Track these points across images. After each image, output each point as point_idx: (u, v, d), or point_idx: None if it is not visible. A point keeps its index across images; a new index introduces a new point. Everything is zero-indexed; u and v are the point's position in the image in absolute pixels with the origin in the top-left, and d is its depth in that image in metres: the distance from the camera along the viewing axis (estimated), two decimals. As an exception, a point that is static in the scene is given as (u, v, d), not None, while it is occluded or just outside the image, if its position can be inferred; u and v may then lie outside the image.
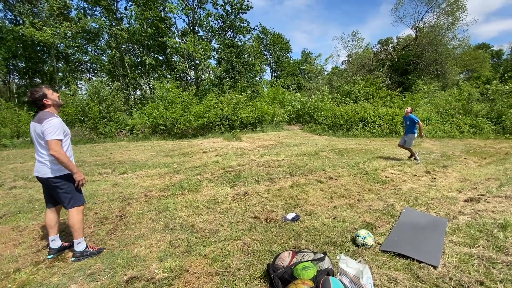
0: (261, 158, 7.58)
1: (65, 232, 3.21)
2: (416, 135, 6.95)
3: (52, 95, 2.55)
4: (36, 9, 19.52)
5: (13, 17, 20.53)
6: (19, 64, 22.24)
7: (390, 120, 14.10)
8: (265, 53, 39.51)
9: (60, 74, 22.92)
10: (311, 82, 33.41)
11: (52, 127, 2.40)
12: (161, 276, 2.29)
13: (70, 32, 19.06)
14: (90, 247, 2.71)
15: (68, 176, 2.58)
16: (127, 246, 2.87)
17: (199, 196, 4.43)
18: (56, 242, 2.71)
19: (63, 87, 21.60)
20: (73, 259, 2.61)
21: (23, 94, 22.23)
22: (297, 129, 18.05)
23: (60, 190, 2.56)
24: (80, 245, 2.64)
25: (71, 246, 2.77)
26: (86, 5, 21.39)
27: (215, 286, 2.18)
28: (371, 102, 18.02)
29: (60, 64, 23.33)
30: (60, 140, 2.46)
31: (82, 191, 2.74)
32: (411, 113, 6.92)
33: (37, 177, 2.60)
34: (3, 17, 20.45)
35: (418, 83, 19.95)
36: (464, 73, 34.64)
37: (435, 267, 2.35)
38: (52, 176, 2.52)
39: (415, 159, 6.98)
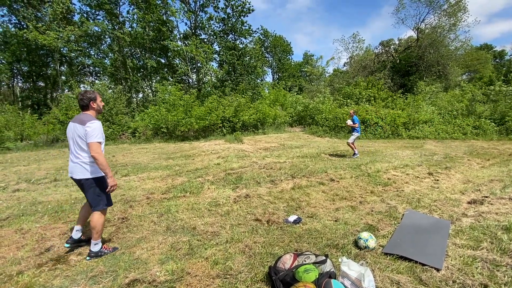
0: (263, 160, 7.58)
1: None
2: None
3: (100, 102, 2.73)
4: (39, 14, 19.76)
5: (17, 22, 20.78)
6: (23, 67, 22.48)
7: (392, 121, 14.06)
8: (267, 55, 39.66)
9: (63, 77, 23.12)
10: (312, 84, 33.45)
11: (95, 129, 2.54)
12: (162, 279, 2.29)
13: (73, 36, 19.24)
14: (104, 247, 2.79)
15: (101, 179, 2.69)
16: (129, 248, 2.87)
17: (201, 199, 4.43)
18: (78, 233, 2.88)
19: (66, 90, 21.78)
20: (88, 258, 2.67)
21: (27, 97, 22.45)
22: (299, 131, 18.04)
23: (92, 191, 2.66)
24: (97, 246, 2.72)
25: (87, 241, 2.91)
26: (89, 9, 21.61)
27: (216, 289, 2.17)
28: (372, 104, 17.99)
29: (63, 68, 23.54)
30: (100, 142, 2.59)
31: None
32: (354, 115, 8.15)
33: (71, 177, 2.69)
34: (8, 22, 20.71)
35: (420, 84, 19.89)
36: (466, 74, 34.52)
37: (438, 270, 2.33)
38: (86, 177, 2.62)
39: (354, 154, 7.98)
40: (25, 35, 17.47)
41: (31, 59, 21.43)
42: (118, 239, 3.11)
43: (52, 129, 13.54)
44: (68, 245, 2.83)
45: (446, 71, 24.29)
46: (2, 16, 20.49)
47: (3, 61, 20.40)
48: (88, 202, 2.76)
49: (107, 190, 2.68)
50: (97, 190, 2.68)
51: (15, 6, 19.58)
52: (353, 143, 7.94)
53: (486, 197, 4.22)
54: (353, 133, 8.02)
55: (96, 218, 2.69)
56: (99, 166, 2.57)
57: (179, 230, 3.27)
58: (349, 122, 7.98)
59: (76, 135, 2.57)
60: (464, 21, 22.71)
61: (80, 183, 2.69)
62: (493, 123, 13.01)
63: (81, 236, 2.92)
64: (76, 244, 2.87)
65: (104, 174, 2.65)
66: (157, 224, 3.48)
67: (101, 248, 2.75)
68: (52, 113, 14.85)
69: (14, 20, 20.80)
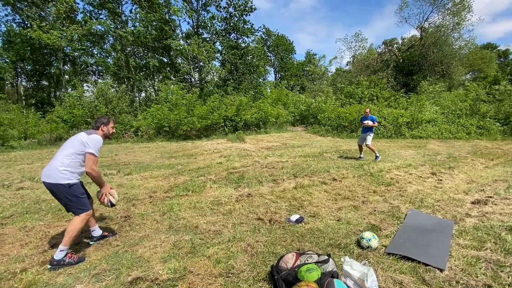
0: (265, 159, 7.58)
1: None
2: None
3: (111, 127, 2.92)
4: (43, 13, 19.84)
5: (21, 21, 20.91)
6: (27, 66, 22.62)
7: (395, 121, 13.99)
8: (269, 54, 39.54)
9: (66, 76, 23.23)
10: (314, 83, 33.35)
11: (96, 141, 2.67)
12: (165, 277, 2.30)
13: (76, 35, 19.32)
14: (69, 256, 2.61)
15: (73, 185, 2.62)
16: (132, 247, 2.88)
17: (203, 197, 4.44)
18: (96, 231, 3.05)
19: (70, 89, 21.89)
20: (49, 267, 2.51)
21: (30, 96, 22.60)
22: (301, 131, 18.00)
23: (62, 197, 2.61)
24: (61, 253, 2.55)
25: (114, 233, 3.16)
26: (92, 9, 21.68)
27: (219, 287, 2.18)
28: (375, 103, 17.90)
29: (66, 67, 23.66)
30: (97, 157, 2.67)
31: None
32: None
33: (44, 182, 2.61)
34: (12, 21, 20.85)
35: (423, 83, 19.76)
36: (470, 73, 34.22)
37: (441, 270, 2.32)
38: (57, 183, 2.55)
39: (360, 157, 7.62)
40: (28, 34, 17.56)
41: (34, 58, 21.56)
42: (121, 237, 3.12)
43: (55, 128, 13.62)
44: (92, 242, 2.99)
45: (449, 70, 24.12)
46: (6, 15, 20.65)
47: (7, 60, 20.54)
48: (65, 207, 2.72)
49: (99, 197, 2.83)
50: (68, 196, 2.59)
51: (19, 5, 19.68)
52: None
53: (490, 197, 4.18)
54: (370, 133, 7.41)
55: (73, 223, 2.60)
56: (94, 180, 2.71)
57: (182, 229, 3.28)
58: (370, 122, 7.30)
59: (76, 140, 2.63)
60: (468, 20, 22.55)
61: (52, 188, 2.59)
62: (497, 123, 12.90)
63: (102, 233, 3.09)
64: (102, 239, 3.06)
65: (78, 181, 2.67)
66: (160, 222, 3.49)
67: (64, 256, 2.56)
68: (55, 111, 14.93)
69: (18, 19, 20.94)
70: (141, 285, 2.22)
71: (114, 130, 2.99)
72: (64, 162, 2.58)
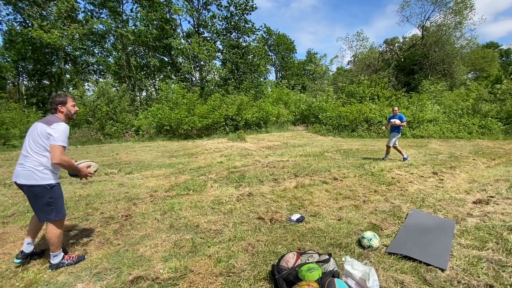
0: (266, 158, 7.57)
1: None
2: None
3: (71, 106, 2.54)
4: (44, 12, 19.87)
5: (22, 20, 20.94)
6: (28, 66, 22.65)
7: (396, 120, 13.93)
8: (270, 53, 39.47)
9: (68, 75, 23.27)
10: (316, 82, 33.29)
11: (61, 132, 2.35)
12: (166, 276, 2.30)
13: (77, 34, 19.34)
14: (66, 258, 2.56)
15: (54, 187, 2.44)
16: (133, 246, 2.89)
17: (204, 197, 4.44)
18: (30, 246, 2.58)
19: (71, 88, 21.92)
20: (49, 270, 2.48)
21: (31, 95, 22.64)
22: (302, 130, 17.99)
23: (40, 201, 2.38)
24: (56, 258, 2.49)
25: (40, 254, 2.68)
26: (93, 8, 21.70)
27: (219, 286, 2.18)
28: (376, 103, 17.87)
29: (67, 66, 23.69)
30: (65, 147, 2.39)
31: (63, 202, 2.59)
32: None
33: (17, 183, 2.38)
34: (13, 20, 20.87)
35: (424, 83, 19.70)
36: (472, 72, 34.09)
37: (443, 270, 2.31)
38: (34, 184, 2.34)
39: (384, 157, 7.31)
40: (30, 33, 17.59)
41: (36, 57, 21.58)
42: (122, 236, 3.12)
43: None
44: (18, 261, 2.49)
45: (451, 69, 24.04)
46: (8, 14, 20.67)
47: (8, 59, 20.58)
48: (36, 213, 2.47)
49: (83, 176, 2.58)
50: (46, 200, 2.39)
51: (20, 5, 19.71)
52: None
53: (492, 197, 4.17)
54: (397, 133, 7.02)
55: (50, 229, 2.44)
56: (67, 169, 2.45)
57: (182, 228, 3.28)
58: (397, 121, 6.91)
59: (37, 135, 2.34)
60: (470, 18, 22.45)
61: (26, 189, 2.38)
62: (499, 122, 12.86)
63: (33, 250, 2.62)
64: (27, 259, 2.56)
65: (57, 182, 2.46)
66: (161, 221, 3.50)
67: (62, 259, 2.52)
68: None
69: (20, 18, 20.97)
70: (142, 284, 2.22)
71: (76, 108, 2.63)
72: (42, 161, 2.35)
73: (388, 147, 7.20)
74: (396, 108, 7.29)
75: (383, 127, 7.18)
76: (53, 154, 2.32)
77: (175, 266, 2.44)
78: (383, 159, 7.28)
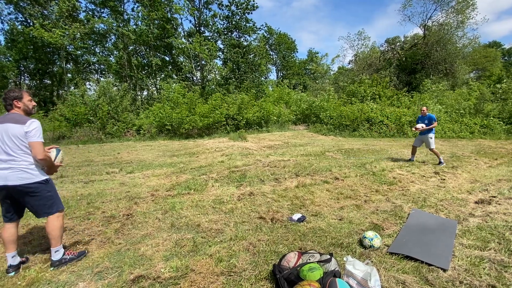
0: (267, 158, 7.57)
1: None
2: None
3: (27, 101, 2.43)
4: (46, 11, 19.91)
5: (23, 19, 20.99)
6: (30, 65, 22.73)
7: (397, 120, 13.91)
8: (271, 53, 39.46)
9: (69, 75, 23.33)
10: (317, 82, 33.24)
11: (38, 128, 2.33)
12: (167, 275, 2.30)
13: (78, 33, 19.37)
14: (67, 253, 2.58)
15: (49, 180, 2.48)
16: (134, 245, 2.89)
17: (205, 196, 4.44)
18: (16, 258, 2.48)
19: (72, 87, 21.98)
20: (52, 268, 2.45)
21: (33, 95, 22.66)
22: (303, 129, 17.96)
23: (41, 196, 2.40)
24: (58, 253, 2.48)
25: (26, 262, 2.59)
26: (94, 7, 21.73)
27: (220, 286, 2.17)
28: (377, 102, 17.83)
29: (69, 65, 23.74)
30: (43, 143, 2.37)
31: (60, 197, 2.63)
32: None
33: (4, 186, 2.29)
34: (14, 19, 20.93)
35: (426, 82, 19.63)
36: (474, 72, 33.96)
37: (444, 270, 2.30)
38: (32, 181, 2.34)
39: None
40: (31, 32, 17.64)
41: (37, 56, 21.67)
42: (123, 236, 3.13)
43: (58, 126, 13.69)
44: (12, 273, 2.40)
45: (453, 68, 23.94)
46: (9, 13, 20.74)
47: (10, 58, 20.66)
48: (34, 211, 2.45)
49: (54, 171, 2.54)
50: (45, 195, 2.42)
51: (21, 4, 19.76)
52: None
53: (494, 197, 4.15)
54: (431, 134, 6.47)
55: (53, 222, 2.45)
56: (48, 166, 2.42)
57: (184, 227, 3.28)
58: (422, 126, 6.36)
59: (12, 136, 2.24)
60: (472, 18, 22.34)
61: (18, 190, 2.32)
62: (501, 122, 12.80)
63: (20, 260, 2.53)
64: (19, 268, 2.47)
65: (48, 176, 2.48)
66: (162, 221, 3.50)
67: (64, 254, 2.52)
68: (57, 109, 15.01)
69: (21, 18, 21.03)
70: (143, 283, 2.22)
71: (34, 103, 2.52)
72: (31, 160, 2.33)
73: (414, 148, 6.83)
74: (424, 108, 6.63)
75: (414, 129, 6.57)
76: (37, 150, 2.30)
77: (176, 265, 2.44)
78: (410, 160, 6.90)
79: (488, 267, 2.33)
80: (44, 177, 2.42)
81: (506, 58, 42.84)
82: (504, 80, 15.61)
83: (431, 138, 6.42)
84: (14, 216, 2.50)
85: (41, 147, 2.33)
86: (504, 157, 7.41)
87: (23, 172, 2.30)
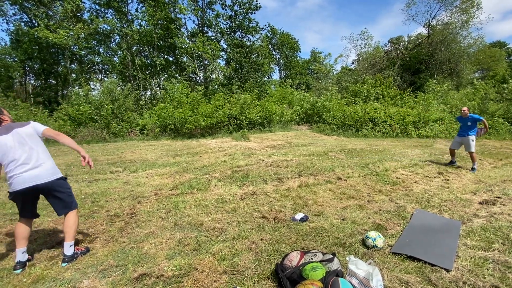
0: (270, 158, 7.57)
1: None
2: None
3: (7, 114, 2.61)
4: (50, 12, 20.07)
5: (28, 20, 21.18)
6: (35, 65, 22.93)
7: (401, 120, 13.83)
8: (274, 53, 39.38)
9: (73, 75, 23.51)
10: (320, 82, 33.15)
11: (38, 123, 2.63)
12: (170, 274, 2.32)
13: (83, 33, 19.51)
14: (77, 249, 2.68)
15: (64, 177, 2.70)
16: (138, 243, 2.92)
17: (208, 195, 4.46)
18: (25, 255, 2.55)
19: (77, 87, 22.14)
20: (64, 264, 2.52)
21: (38, 94, 22.93)
22: (306, 129, 17.93)
23: (66, 191, 2.65)
24: (71, 248, 2.59)
25: (30, 260, 2.63)
26: (98, 8, 21.86)
27: (223, 284, 2.19)
28: (381, 102, 17.73)
29: (73, 66, 23.92)
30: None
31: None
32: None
33: (35, 186, 2.43)
34: (19, 20, 21.13)
35: (430, 82, 19.49)
36: (479, 71, 33.63)
37: (448, 271, 2.29)
38: (58, 177, 2.59)
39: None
40: (36, 33, 17.80)
41: (42, 57, 21.84)
42: (127, 234, 3.16)
43: (62, 125, 13.81)
44: (19, 271, 2.45)
45: (457, 68, 23.74)
46: (14, 14, 20.93)
47: (15, 58, 20.86)
48: (59, 207, 2.62)
49: (87, 162, 2.70)
50: (67, 190, 2.65)
51: (26, 5, 19.94)
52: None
53: (499, 197, 4.12)
54: (473, 135, 5.96)
55: (72, 219, 2.63)
56: (69, 143, 2.63)
57: (187, 226, 3.30)
58: (471, 138, 5.82)
59: (25, 136, 2.46)
60: (477, 17, 22.13)
61: (49, 187, 2.51)
62: (506, 122, 12.67)
63: (28, 257, 2.60)
64: (25, 266, 2.52)
65: None
66: (165, 219, 3.52)
67: (75, 250, 2.63)
68: (62, 109, 15.14)
69: (26, 18, 21.22)
70: (146, 281, 2.24)
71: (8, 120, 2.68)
72: (51, 158, 2.63)
73: (452, 150, 6.41)
74: (465, 109, 6.11)
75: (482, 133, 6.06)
76: (50, 131, 2.61)
77: (180, 264, 2.46)
78: (451, 162, 6.47)
79: (492, 268, 2.32)
80: (61, 174, 2.65)
81: (511, 58, 42.33)
82: (510, 81, 15.43)
83: (472, 140, 5.91)
84: (29, 214, 2.65)
85: (50, 130, 2.62)
86: (509, 157, 7.34)
87: (52, 168, 2.56)
